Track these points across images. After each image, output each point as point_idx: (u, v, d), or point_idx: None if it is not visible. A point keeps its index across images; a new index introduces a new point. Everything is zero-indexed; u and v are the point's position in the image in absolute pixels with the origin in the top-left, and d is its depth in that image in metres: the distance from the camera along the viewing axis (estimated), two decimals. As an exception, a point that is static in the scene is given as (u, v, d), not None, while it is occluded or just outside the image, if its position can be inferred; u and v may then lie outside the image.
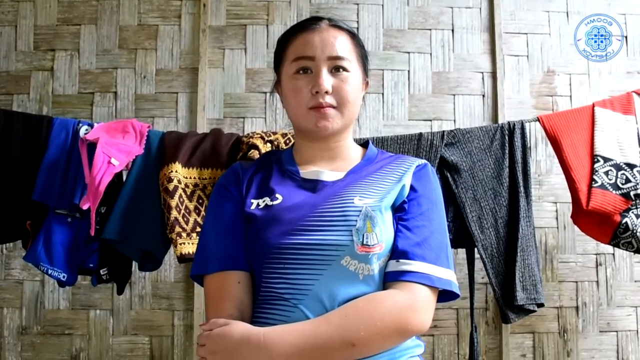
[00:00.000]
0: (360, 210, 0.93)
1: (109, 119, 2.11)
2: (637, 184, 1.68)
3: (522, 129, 1.81)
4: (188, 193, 1.66)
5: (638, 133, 1.76)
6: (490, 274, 1.72)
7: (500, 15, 2.23)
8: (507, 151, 1.78)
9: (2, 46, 2.16)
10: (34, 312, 2.06)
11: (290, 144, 1.63)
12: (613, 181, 1.69)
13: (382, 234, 0.93)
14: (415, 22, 2.24)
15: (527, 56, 2.23)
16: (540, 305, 1.72)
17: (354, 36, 1.07)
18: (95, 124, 1.73)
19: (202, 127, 2.10)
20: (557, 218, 2.15)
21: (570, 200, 1.77)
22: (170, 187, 1.62)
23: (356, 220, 0.92)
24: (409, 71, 2.21)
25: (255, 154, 1.64)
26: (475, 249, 1.76)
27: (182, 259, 1.61)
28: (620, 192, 1.68)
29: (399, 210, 0.98)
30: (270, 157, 1.13)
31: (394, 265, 0.93)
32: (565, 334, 2.10)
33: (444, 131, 1.80)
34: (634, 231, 1.67)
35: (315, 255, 0.91)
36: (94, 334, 2.05)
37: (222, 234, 1.00)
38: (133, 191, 1.67)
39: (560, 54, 2.24)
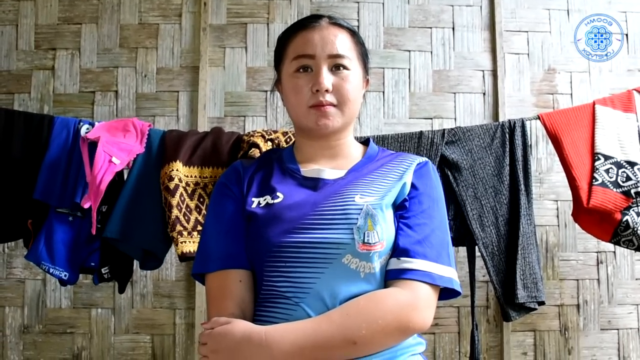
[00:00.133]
0: (361, 209, 0.93)
1: (110, 117, 2.11)
2: (638, 181, 1.68)
3: (523, 127, 1.81)
4: (189, 192, 1.66)
5: (639, 131, 1.76)
6: (491, 272, 1.72)
7: (501, 13, 2.22)
8: (507, 149, 1.78)
9: (3, 45, 2.16)
10: (36, 311, 2.06)
11: (291, 142, 1.63)
12: (614, 179, 1.69)
13: (383, 232, 0.93)
14: (415, 20, 2.24)
15: (528, 54, 2.23)
16: (541, 303, 1.72)
17: (354, 34, 1.07)
18: (96, 123, 1.73)
19: (203, 126, 2.10)
20: (557, 216, 2.15)
21: (570, 198, 1.76)
22: (171, 185, 1.62)
23: (357, 219, 0.92)
24: (409, 69, 2.21)
25: (256, 153, 1.64)
26: (476, 247, 1.76)
27: (183, 257, 1.61)
28: (620, 189, 1.68)
29: (400, 208, 0.98)
30: (271, 156, 1.12)
31: (395, 263, 0.93)
32: (566, 332, 2.10)
33: (444, 129, 1.80)
34: (635, 229, 1.67)
35: (317, 254, 0.91)
36: (95, 332, 2.06)
37: (223, 232, 1.00)
38: (134, 190, 1.67)
39: (561, 52, 2.24)
